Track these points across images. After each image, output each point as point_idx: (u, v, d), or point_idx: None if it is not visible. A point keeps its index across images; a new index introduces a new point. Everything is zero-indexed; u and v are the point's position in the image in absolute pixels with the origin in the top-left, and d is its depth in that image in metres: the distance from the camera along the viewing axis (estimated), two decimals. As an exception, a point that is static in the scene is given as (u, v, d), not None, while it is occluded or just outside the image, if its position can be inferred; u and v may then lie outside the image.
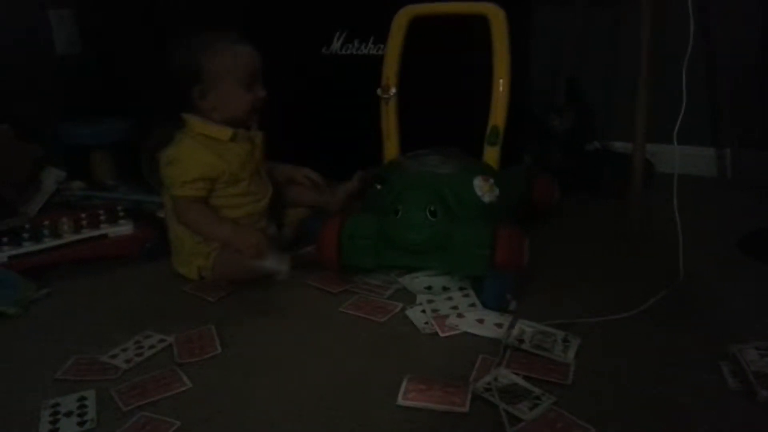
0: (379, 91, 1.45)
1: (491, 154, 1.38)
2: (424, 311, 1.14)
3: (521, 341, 1.03)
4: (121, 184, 1.70)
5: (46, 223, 1.36)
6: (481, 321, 1.10)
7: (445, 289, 1.22)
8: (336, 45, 1.84)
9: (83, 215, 1.40)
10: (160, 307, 1.20)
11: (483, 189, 1.28)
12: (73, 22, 2.05)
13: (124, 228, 1.39)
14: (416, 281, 1.25)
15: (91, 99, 1.98)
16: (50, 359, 1.02)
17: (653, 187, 1.69)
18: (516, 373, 0.94)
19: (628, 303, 1.12)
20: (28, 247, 1.30)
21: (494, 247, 1.16)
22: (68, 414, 0.89)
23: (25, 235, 1.32)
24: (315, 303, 1.21)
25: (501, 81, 1.35)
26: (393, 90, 1.45)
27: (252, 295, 1.23)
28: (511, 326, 1.07)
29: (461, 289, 1.21)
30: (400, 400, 0.89)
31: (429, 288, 1.22)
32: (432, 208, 1.21)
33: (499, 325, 1.08)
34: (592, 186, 1.77)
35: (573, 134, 1.90)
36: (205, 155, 1.23)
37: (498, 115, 1.37)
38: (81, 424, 0.87)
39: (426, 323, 1.11)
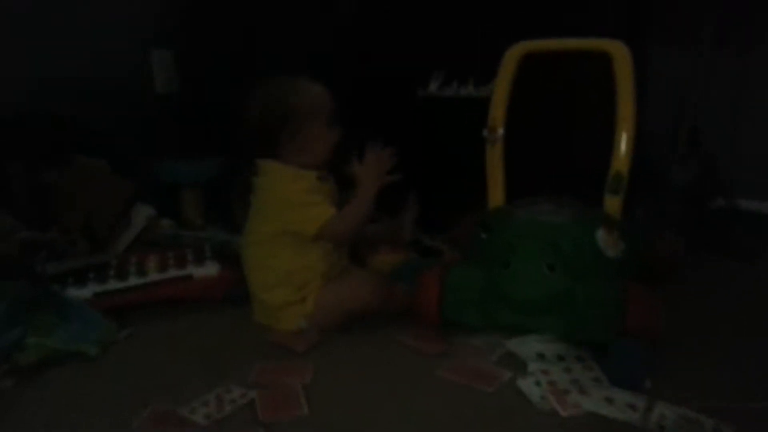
0: (485, 133, 1.34)
1: (613, 204, 1.23)
2: (538, 383, 0.98)
3: (662, 428, 0.85)
4: (209, 224, 1.66)
5: (133, 260, 1.31)
6: (610, 400, 0.92)
7: (560, 358, 1.05)
8: (433, 86, 1.76)
9: (170, 254, 1.36)
10: (243, 356, 1.10)
11: (607, 242, 1.13)
12: (174, 62, 2.08)
13: (210, 269, 1.32)
14: (526, 346, 1.09)
15: (185, 138, 1.98)
16: (127, 407, 0.94)
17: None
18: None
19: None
20: (114, 284, 1.25)
21: (625, 310, 0.99)
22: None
23: (111, 272, 1.28)
24: (411, 364, 1.07)
25: (625, 123, 1.22)
26: (500, 131, 1.33)
27: (341, 351, 1.12)
28: (649, 408, 0.90)
29: (580, 359, 1.04)
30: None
31: (541, 355, 1.06)
32: (549, 262, 1.07)
33: (633, 407, 0.91)
34: (719, 247, 1.56)
35: (694, 188, 1.71)
36: (303, 182, 1.16)
37: (621, 161, 1.22)
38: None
39: (542, 398, 0.94)
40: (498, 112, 1.33)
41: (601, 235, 1.14)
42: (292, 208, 1.14)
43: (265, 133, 1.17)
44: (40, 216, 1.41)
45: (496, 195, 1.34)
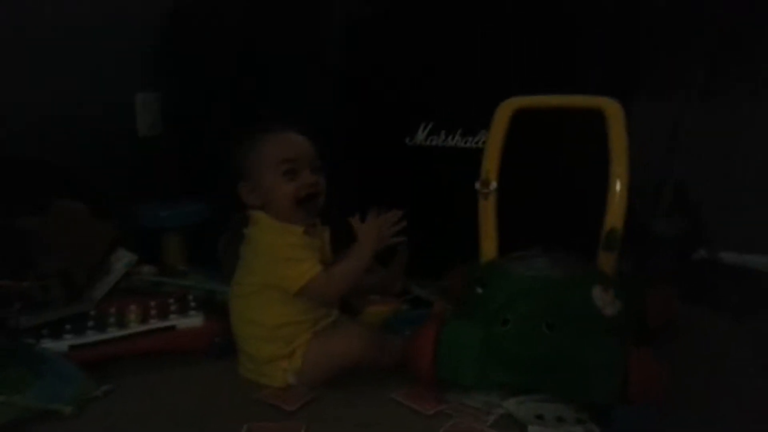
0: (477, 186, 1.33)
1: (607, 260, 1.22)
2: (540, 447, 0.95)
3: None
4: (192, 270, 1.61)
5: (113, 310, 1.26)
6: (614, 466, 0.90)
7: (559, 419, 1.02)
8: (421, 136, 1.75)
9: (152, 303, 1.30)
10: (230, 415, 1.05)
11: (604, 300, 1.12)
12: (157, 105, 2.05)
13: (194, 320, 1.27)
14: (523, 407, 1.06)
15: (168, 181, 1.94)
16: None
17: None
18: None
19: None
20: (92, 336, 1.19)
21: (627, 373, 0.97)
22: None
23: (90, 323, 1.22)
24: (406, 425, 1.03)
25: (618, 180, 1.23)
26: (493, 184, 1.33)
27: (333, 409, 1.07)
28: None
29: (580, 421, 1.01)
30: None
31: (540, 417, 1.03)
32: (548, 320, 1.05)
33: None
34: (705, 301, 1.57)
35: (680, 241, 1.73)
36: (289, 236, 1.12)
37: (616, 217, 1.23)
38: None
39: (545, 463, 0.91)
40: (491, 165, 1.33)
41: (597, 292, 1.13)
42: (276, 263, 1.10)
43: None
44: (15, 263, 1.34)
45: (488, 248, 1.33)
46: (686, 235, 1.72)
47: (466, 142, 1.68)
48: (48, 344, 1.16)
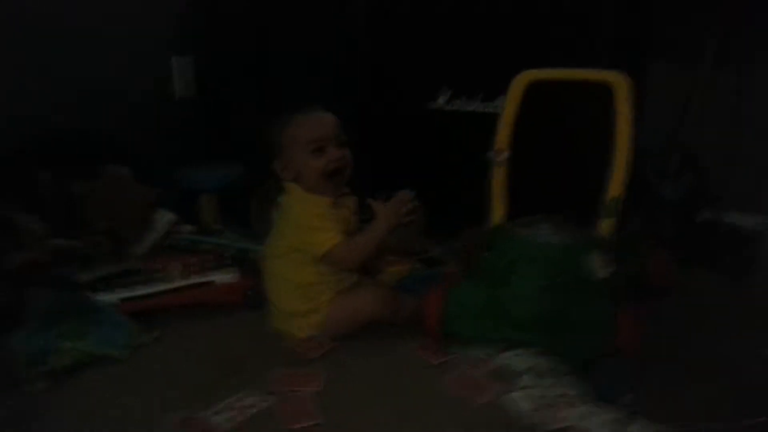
0: (490, 155, 1.41)
1: (607, 227, 1.30)
2: (529, 396, 1.07)
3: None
4: (226, 230, 1.74)
5: (157, 266, 1.40)
6: (594, 414, 1.02)
7: (550, 372, 1.14)
8: (441, 100, 1.82)
9: (192, 261, 1.44)
10: (260, 362, 1.19)
11: (600, 264, 1.21)
12: (193, 68, 2.15)
13: (230, 276, 1.41)
14: (518, 359, 1.18)
15: (205, 144, 2.05)
16: (151, 411, 1.04)
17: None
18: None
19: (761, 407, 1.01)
20: (140, 290, 1.34)
21: (615, 331, 1.08)
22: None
23: (138, 278, 1.37)
24: (415, 374, 1.16)
25: (621, 153, 1.29)
26: (505, 154, 1.41)
27: (351, 359, 1.21)
28: (630, 422, 0.99)
29: (568, 374, 1.13)
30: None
31: (531, 368, 1.15)
32: (547, 282, 1.16)
33: (617, 421, 1.00)
34: (705, 261, 1.64)
35: (686, 204, 1.78)
36: (315, 207, 1.24)
37: (617, 187, 1.30)
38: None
39: (535, 410, 1.04)
40: (504, 135, 1.40)
41: (595, 256, 1.22)
42: (302, 230, 1.23)
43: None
44: (69, 224, 1.50)
45: (497, 214, 1.41)
46: (692, 198, 1.77)
47: (485, 108, 1.74)
48: (102, 297, 1.31)
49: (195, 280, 1.39)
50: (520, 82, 1.40)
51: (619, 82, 1.30)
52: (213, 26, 2.08)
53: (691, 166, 1.81)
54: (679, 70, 1.85)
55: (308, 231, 1.23)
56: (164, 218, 1.66)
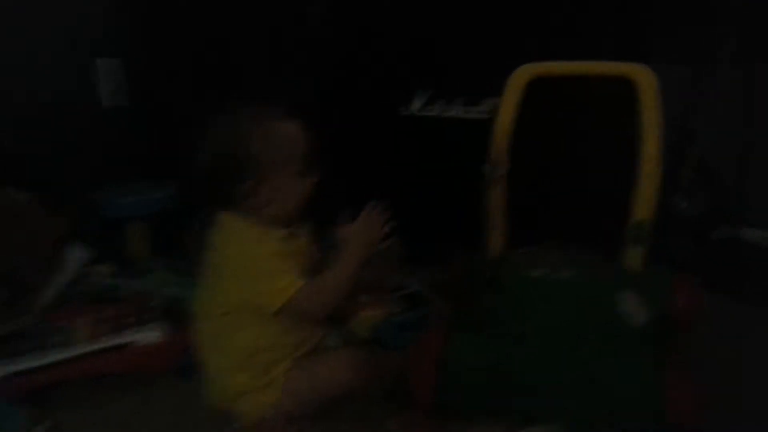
0: (486, 168, 1.15)
1: (635, 257, 1.06)
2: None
3: None
4: (157, 266, 1.44)
5: (58, 325, 1.11)
6: None
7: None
8: (417, 105, 1.63)
9: (109, 314, 1.15)
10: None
11: (635, 307, 0.97)
12: (123, 72, 1.85)
13: (153, 334, 1.13)
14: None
15: (135, 162, 1.77)
16: None
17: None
18: None
19: None
20: (31, 361, 1.04)
21: (663, 393, 0.85)
22: None
23: (32, 343, 1.07)
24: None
25: (649, 164, 1.05)
26: (503, 168, 1.15)
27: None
28: None
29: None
30: None
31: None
32: (573, 335, 0.91)
33: None
34: (728, 287, 1.42)
35: (702, 220, 1.58)
36: (269, 244, 0.94)
37: (645, 207, 1.06)
38: None
39: None
40: (502, 143, 1.15)
41: (627, 297, 0.97)
42: (252, 279, 0.92)
43: (216, 185, 0.95)
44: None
45: (496, 241, 1.16)
46: (709, 214, 1.57)
47: (467, 113, 1.55)
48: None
49: (108, 342, 1.10)
50: (520, 78, 1.15)
51: (643, 77, 1.08)
52: (148, 22, 1.80)
53: (706, 176, 1.60)
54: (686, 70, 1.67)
55: (262, 278, 0.92)
56: (77, 255, 1.34)
